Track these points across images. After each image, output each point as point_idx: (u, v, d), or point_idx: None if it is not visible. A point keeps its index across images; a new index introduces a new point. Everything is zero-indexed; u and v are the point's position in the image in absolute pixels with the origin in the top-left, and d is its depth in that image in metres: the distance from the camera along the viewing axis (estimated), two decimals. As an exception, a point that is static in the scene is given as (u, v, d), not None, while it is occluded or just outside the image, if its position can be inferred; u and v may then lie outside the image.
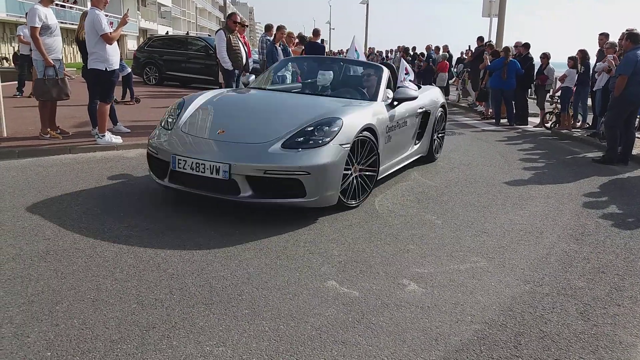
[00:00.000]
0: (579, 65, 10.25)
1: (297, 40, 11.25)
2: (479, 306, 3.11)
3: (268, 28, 12.73)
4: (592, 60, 10.41)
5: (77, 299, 2.92)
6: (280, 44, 9.84)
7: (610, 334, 2.88)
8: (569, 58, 10.39)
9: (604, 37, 10.18)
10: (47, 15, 6.64)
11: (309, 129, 4.45)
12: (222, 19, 38.69)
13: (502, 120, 12.09)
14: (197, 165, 4.22)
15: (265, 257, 3.62)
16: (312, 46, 11.24)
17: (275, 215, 4.52)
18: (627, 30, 7.91)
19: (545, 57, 11.28)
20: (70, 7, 30.18)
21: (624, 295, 3.35)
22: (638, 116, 9.11)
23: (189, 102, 5.16)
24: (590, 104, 10.69)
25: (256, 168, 4.15)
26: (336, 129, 4.45)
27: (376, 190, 5.55)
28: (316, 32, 11.69)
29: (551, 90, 11.35)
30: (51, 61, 6.66)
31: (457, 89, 17.34)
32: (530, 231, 4.50)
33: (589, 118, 10.86)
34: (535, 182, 6.36)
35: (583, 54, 10.32)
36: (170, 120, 4.96)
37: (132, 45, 42.03)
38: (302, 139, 4.36)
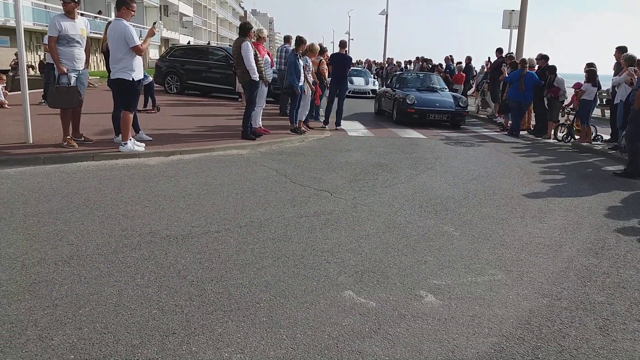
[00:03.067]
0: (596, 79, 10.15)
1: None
2: (496, 319, 3.10)
3: (287, 39, 12.90)
4: (603, 73, 10.35)
5: (100, 304, 2.99)
6: (301, 55, 9.93)
7: (630, 349, 2.85)
8: (585, 70, 10.29)
9: (619, 50, 10.08)
10: (67, 26, 6.69)
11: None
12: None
13: (521, 132, 12.02)
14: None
15: (283, 266, 3.66)
16: (339, 57, 11.33)
17: (293, 224, 4.56)
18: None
19: (550, 71, 11.18)
20: (95, 17, 30.83)
21: (645, 311, 3.31)
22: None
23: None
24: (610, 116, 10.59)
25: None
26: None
27: (394, 200, 5.57)
28: (343, 44, 11.83)
29: (565, 101, 11.24)
30: (64, 69, 6.73)
31: (475, 100, 17.27)
32: (549, 244, 4.47)
33: (607, 130, 10.77)
34: (554, 194, 6.31)
35: (591, 74, 10.18)
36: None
37: (154, 54, 42.73)
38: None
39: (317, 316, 3.00)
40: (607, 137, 10.60)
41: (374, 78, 25.58)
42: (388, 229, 4.65)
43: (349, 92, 20.64)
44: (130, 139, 7.07)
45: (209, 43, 24.59)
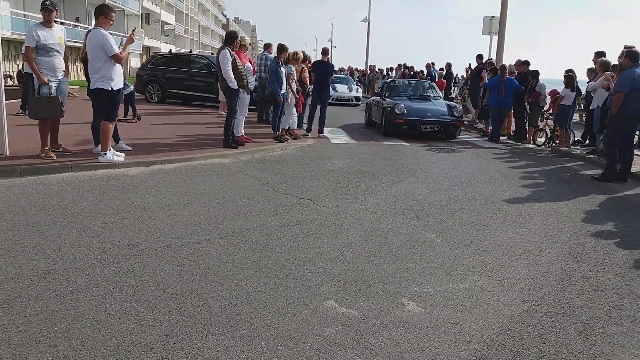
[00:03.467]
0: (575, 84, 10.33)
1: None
2: (477, 326, 3.11)
3: (267, 46, 12.92)
4: (584, 78, 10.55)
5: (76, 319, 2.93)
6: (283, 63, 9.94)
7: (609, 353, 2.87)
8: (564, 76, 10.45)
9: (597, 55, 10.27)
10: (45, 35, 6.61)
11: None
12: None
13: (502, 138, 12.16)
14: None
15: (264, 276, 3.63)
16: (321, 65, 11.36)
17: (275, 233, 4.54)
18: (626, 48, 7.99)
19: (533, 75, 11.36)
20: (75, 26, 30.52)
21: (623, 315, 3.34)
22: (637, 133, 9.17)
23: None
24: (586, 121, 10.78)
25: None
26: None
27: (376, 207, 5.58)
28: (325, 52, 11.87)
29: (544, 106, 11.42)
30: (44, 79, 6.65)
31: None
32: (529, 249, 4.50)
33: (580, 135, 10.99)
34: (534, 199, 6.38)
35: (569, 79, 10.36)
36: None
37: (135, 63, 42.41)
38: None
39: (299, 327, 2.97)
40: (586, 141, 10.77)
41: (357, 85, 25.65)
42: (370, 236, 4.65)
43: (332, 99, 20.67)
44: (110, 149, 6.99)
45: (190, 51, 24.46)
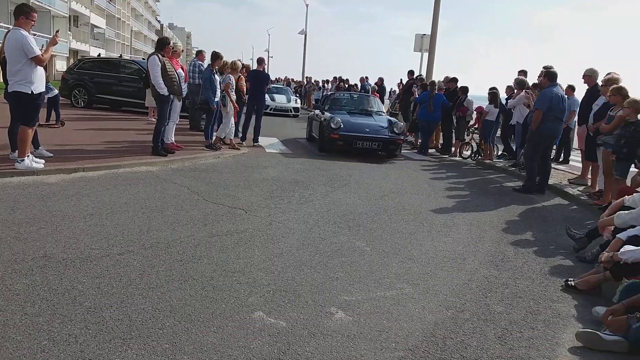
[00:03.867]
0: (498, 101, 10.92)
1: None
2: (402, 333, 3.16)
3: (198, 53, 12.74)
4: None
5: (-20, 337, 2.71)
6: (217, 71, 9.80)
7: (525, 356, 3.01)
8: (489, 93, 11.01)
9: (522, 73, 10.94)
10: None
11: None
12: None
13: (430, 151, 12.59)
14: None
15: (190, 289, 3.52)
16: (257, 74, 11.29)
17: (204, 244, 4.42)
18: (544, 68, 8.52)
19: (462, 91, 11.90)
20: (-6, 25, 28.71)
21: (538, 319, 3.52)
22: (554, 148, 9.79)
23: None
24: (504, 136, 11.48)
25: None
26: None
27: (309, 217, 5.58)
28: (260, 61, 11.81)
29: (471, 121, 11.97)
30: None
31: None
32: (454, 257, 4.66)
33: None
34: (459, 209, 6.63)
35: (493, 96, 10.95)
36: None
37: (61, 66, 40.39)
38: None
39: (225, 340, 2.90)
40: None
41: (295, 96, 25.59)
42: (302, 246, 4.64)
43: (270, 110, 20.55)
44: (28, 155, 6.57)
45: (121, 56, 23.62)
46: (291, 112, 21.96)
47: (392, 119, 12.04)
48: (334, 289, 3.74)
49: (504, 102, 11.16)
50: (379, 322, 3.28)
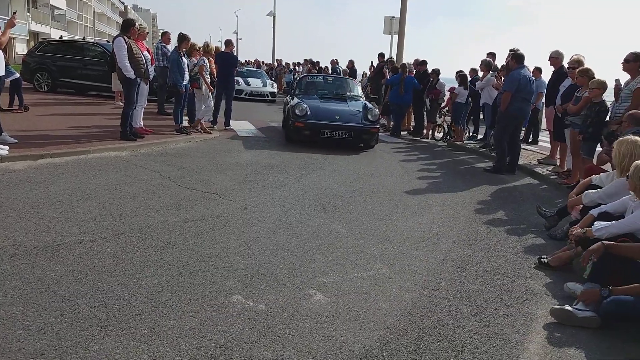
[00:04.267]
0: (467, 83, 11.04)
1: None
2: (380, 312, 3.20)
3: (163, 35, 12.47)
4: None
5: (-50, 329, 2.62)
6: (184, 53, 9.61)
7: (501, 333, 3.08)
8: (457, 75, 11.12)
9: (490, 56, 11.07)
10: None
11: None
12: (123, 25, 36.75)
13: (402, 133, 12.67)
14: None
15: (166, 274, 3.48)
16: (225, 56, 11.08)
17: (178, 229, 4.37)
18: (511, 51, 8.63)
19: (435, 73, 11.99)
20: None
21: (513, 296, 3.61)
22: (523, 129, 9.98)
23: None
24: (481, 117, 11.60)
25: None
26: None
27: (284, 200, 5.57)
28: (228, 43, 11.56)
29: (442, 103, 12.08)
30: None
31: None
32: (428, 237, 4.73)
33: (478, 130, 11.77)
34: (432, 191, 6.71)
35: (462, 78, 11.08)
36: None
37: (21, 49, 38.95)
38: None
39: (203, 324, 2.88)
40: (480, 136, 11.54)
41: (272, 80, 24.67)
42: (278, 229, 4.63)
43: (245, 95, 20.05)
44: (-9, 142, 6.35)
45: (84, 38, 22.84)
46: (267, 96, 20.74)
47: (369, 104, 10.73)
48: (311, 271, 3.75)
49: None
50: (357, 302, 3.31)
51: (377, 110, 10.64)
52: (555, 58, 8.37)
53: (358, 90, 12.03)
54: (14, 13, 6.58)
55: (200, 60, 9.70)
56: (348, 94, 11.51)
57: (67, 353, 2.51)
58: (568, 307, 3.28)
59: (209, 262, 3.75)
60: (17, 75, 10.61)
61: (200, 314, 2.99)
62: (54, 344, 2.57)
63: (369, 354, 2.74)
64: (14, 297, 3.01)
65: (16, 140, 7.14)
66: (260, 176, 6.72)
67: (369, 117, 9.83)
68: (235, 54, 12.48)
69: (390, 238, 4.63)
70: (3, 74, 6.37)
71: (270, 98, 20.85)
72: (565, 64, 8.05)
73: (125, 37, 7.91)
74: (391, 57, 15.88)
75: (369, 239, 4.57)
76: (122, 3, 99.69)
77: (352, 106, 10.34)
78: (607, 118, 6.41)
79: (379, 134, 10.41)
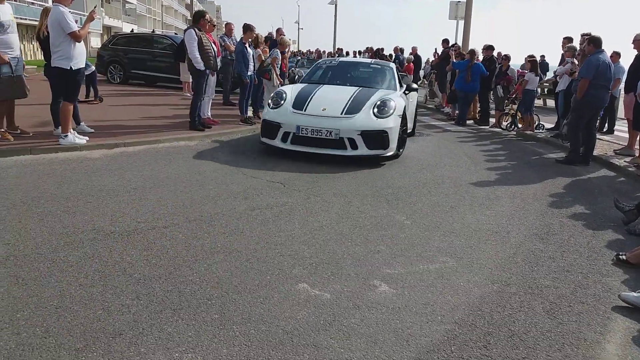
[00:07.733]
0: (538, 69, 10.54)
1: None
2: (448, 306, 3.14)
3: (226, 26, 12.83)
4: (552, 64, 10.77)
5: (40, 306, 2.82)
6: (250, 44, 9.78)
7: (576, 331, 2.95)
8: (527, 61, 10.64)
9: (566, 40, 10.49)
10: (0, 12, 6.35)
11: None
12: (189, 17, 38.02)
13: (468, 122, 12.32)
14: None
15: (235, 260, 3.57)
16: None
17: (245, 217, 4.47)
18: (586, 35, 8.14)
19: (506, 59, 11.54)
20: (32, 3, 29.25)
21: (588, 293, 3.44)
22: (599, 118, 9.42)
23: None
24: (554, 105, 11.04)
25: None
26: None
27: (346, 190, 5.56)
28: (279, 31, 11.91)
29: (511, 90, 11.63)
30: (6, 58, 6.37)
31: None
32: (497, 231, 4.58)
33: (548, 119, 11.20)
34: (501, 182, 6.48)
35: (533, 64, 10.57)
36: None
37: (95, 43, 40.97)
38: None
39: (271, 310, 2.94)
40: (549, 125, 11.00)
41: None
42: (341, 219, 4.63)
43: None
44: (71, 131, 6.73)
45: (153, 31, 23.75)
46: None
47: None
48: (375, 262, 3.73)
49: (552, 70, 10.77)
50: (423, 295, 3.26)
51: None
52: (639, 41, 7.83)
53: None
54: (94, 8, 6.90)
55: (273, 52, 10.07)
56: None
57: (143, 334, 2.63)
58: None
59: (275, 249, 3.81)
60: (93, 68, 11.19)
61: (267, 300, 3.05)
62: (131, 325, 2.70)
63: (436, 347, 2.70)
64: (94, 279, 3.19)
65: (93, 130, 7.54)
66: (322, 165, 6.73)
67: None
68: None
69: (456, 231, 4.52)
70: (83, 66, 6.70)
71: None
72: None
73: (196, 29, 8.13)
74: (456, 43, 15.43)
75: (434, 231, 4.48)
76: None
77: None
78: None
79: (444, 123, 9.79)
